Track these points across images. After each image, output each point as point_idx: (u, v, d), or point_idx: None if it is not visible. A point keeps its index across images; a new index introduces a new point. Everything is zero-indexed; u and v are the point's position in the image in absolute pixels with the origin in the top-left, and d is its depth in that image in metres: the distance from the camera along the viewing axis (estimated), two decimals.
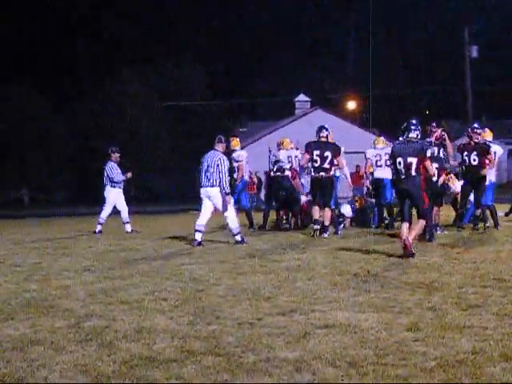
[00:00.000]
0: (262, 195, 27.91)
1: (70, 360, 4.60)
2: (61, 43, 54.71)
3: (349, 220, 15.52)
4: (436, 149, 12.78)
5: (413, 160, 9.82)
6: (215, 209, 12.05)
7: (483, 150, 13.25)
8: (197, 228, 11.86)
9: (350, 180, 16.97)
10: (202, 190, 11.94)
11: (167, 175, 51.39)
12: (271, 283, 7.42)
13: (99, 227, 15.34)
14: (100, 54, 55.25)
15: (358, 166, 24.24)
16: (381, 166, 14.93)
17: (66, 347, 4.92)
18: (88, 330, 5.42)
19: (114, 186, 15.43)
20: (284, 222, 15.73)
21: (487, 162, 13.26)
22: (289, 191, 14.79)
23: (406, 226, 9.86)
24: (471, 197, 13.79)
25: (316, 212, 13.18)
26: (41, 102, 50.03)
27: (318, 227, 12.88)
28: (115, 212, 15.51)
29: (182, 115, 52.38)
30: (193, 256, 10.14)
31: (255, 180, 31.03)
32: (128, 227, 15.45)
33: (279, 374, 4.26)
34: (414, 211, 10.18)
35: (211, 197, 11.83)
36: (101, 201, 15.65)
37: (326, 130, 13.29)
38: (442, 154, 12.92)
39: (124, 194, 15.76)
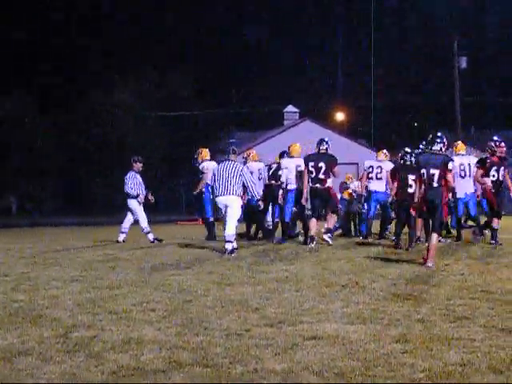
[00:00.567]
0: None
1: (57, 370, 4.57)
2: (50, 52, 54.57)
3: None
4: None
5: (435, 172, 9.99)
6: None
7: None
8: (227, 239, 11.80)
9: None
10: (221, 199, 11.96)
11: (156, 185, 51.11)
12: (259, 294, 7.41)
13: (123, 236, 15.26)
14: (87, 63, 55.14)
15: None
16: (372, 178, 15.01)
17: (53, 357, 4.90)
18: (76, 340, 5.40)
19: (134, 197, 15.30)
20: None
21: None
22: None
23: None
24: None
25: (313, 226, 13.11)
26: (30, 110, 49.88)
27: (313, 246, 12.83)
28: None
29: (172, 124, 52.23)
30: (181, 267, 10.12)
31: None
32: (150, 236, 15.32)
33: None
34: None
35: (229, 206, 11.88)
36: (89, 211, 15.58)
37: (327, 143, 13.47)
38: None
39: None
